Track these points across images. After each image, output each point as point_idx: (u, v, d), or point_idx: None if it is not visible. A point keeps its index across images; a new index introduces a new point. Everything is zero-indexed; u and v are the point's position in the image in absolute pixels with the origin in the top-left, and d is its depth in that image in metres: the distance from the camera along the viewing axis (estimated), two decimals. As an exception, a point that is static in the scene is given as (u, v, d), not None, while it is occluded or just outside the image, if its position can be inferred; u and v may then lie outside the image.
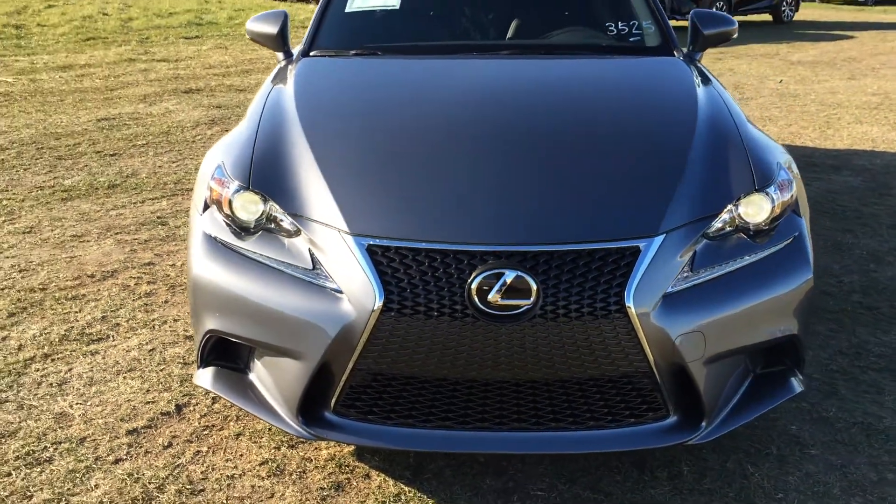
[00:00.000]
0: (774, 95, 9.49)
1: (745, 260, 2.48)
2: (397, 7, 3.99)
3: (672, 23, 4.26)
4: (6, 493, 2.53)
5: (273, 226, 2.53)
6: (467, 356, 2.30)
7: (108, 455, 2.74)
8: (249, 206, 2.57)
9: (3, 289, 3.96)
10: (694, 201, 2.51)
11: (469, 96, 3.13)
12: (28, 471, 2.64)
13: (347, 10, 3.96)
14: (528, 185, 2.54)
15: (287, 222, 2.50)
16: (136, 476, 2.63)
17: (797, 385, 2.61)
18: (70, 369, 3.26)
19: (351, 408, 2.45)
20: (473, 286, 2.24)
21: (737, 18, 19.05)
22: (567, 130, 2.88)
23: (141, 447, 2.78)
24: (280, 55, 3.80)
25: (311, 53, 3.71)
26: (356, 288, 2.29)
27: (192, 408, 3.01)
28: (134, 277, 4.12)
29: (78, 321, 3.65)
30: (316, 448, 2.78)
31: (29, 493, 2.54)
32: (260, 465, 2.70)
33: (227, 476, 2.65)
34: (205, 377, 2.64)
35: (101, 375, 3.22)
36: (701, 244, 2.45)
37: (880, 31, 17.44)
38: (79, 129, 7.21)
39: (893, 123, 7.95)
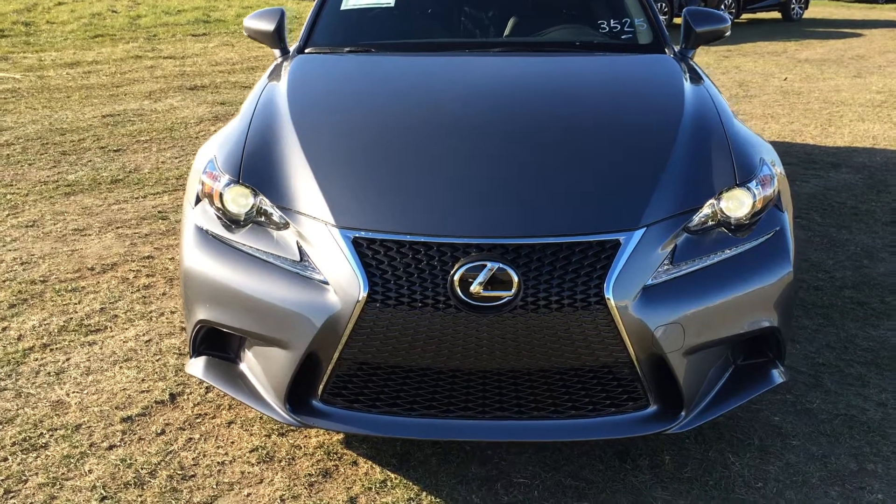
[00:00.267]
0: (778, 93, 9.50)
1: (725, 253, 2.53)
2: (392, 5, 4.04)
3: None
4: (2, 478, 2.60)
5: (263, 219, 2.59)
6: (450, 346, 2.35)
7: (103, 441, 2.80)
8: (239, 200, 2.63)
9: (4, 281, 4.04)
10: (675, 196, 2.55)
11: (457, 93, 3.19)
12: (24, 456, 2.71)
13: (343, 7, 4.02)
14: (512, 179, 2.59)
15: (276, 215, 2.56)
16: (128, 462, 2.70)
17: (778, 376, 2.65)
18: (68, 359, 3.33)
19: (337, 396, 2.51)
20: (456, 278, 2.29)
21: (746, 16, 18.94)
22: (552, 126, 2.93)
23: (135, 434, 2.85)
24: (277, 52, 3.86)
25: (306, 50, 3.77)
26: (342, 279, 2.35)
27: (185, 397, 3.08)
28: (133, 270, 4.19)
29: (77, 312, 3.72)
30: (305, 436, 2.84)
31: (24, 478, 2.61)
32: (250, 451, 2.76)
33: (218, 462, 2.71)
34: (196, 366, 2.70)
35: (97, 365, 3.29)
36: (682, 238, 2.49)
37: (891, 29, 17.37)
38: (84, 124, 7.30)
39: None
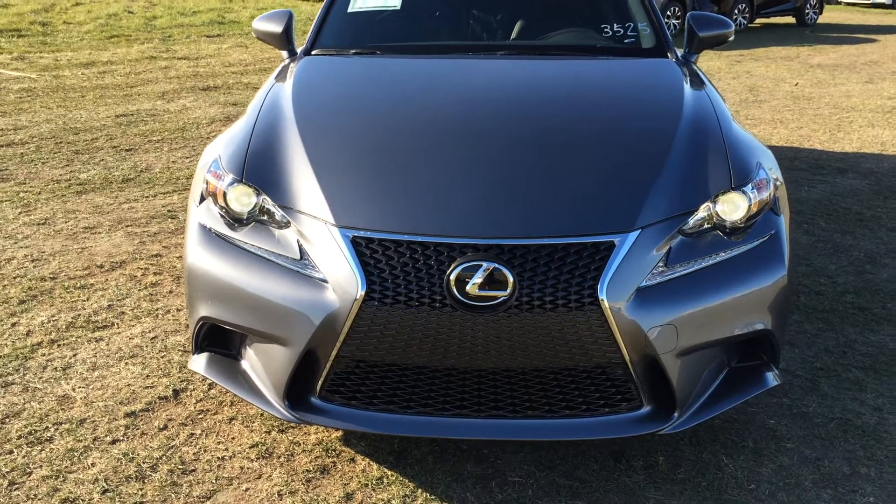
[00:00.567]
0: (789, 98, 9.49)
1: (719, 256, 2.56)
2: (398, 7, 4.09)
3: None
4: (7, 470, 2.66)
5: (265, 217, 2.64)
6: (446, 345, 2.39)
7: (106, 436, 2.86)
8: (242, 199, 2.68)
9: (15, 277, 4.11)
10: (670, 198, 2.58)
11: (459, 96, 3.23)
12: (29, 449, 2.77)
13: (350, 10, 4.07)
14: (509, 180, 2.63)
15: (278, 214, 2.60)
16: (131, 456, 2.75)
17: (772, 379, 2.68)
18: (75, 354, 3.39)
19: (336, 393, 2.55)
20: (452, 277, 2.33)
21: (759, 21, 18.87)
22: (551, 129, 2.97)
23: (137, 429, 2.90)
24: (284, 53, 3.91)
25: (313, 52, 3.82)
26: (340, 277, 2.39)
27: (188, 393, 3.13)
28: (141, 268, 4.25)
29: (85, 309, 3.79)
30: (305, 433, 2.88)
31: (29, 470, 2.66)
32: (250, 447, 2.81)
33: (218, 457, 2.76)
34: (199, 362, 2.75)
35: (103, 361, 3.34)
36: (676, 240, 2.52)
37: (905, 35, 17.30)
38: (97, 124, 7.39)
39: (906, 127, 7.95)
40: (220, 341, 2.78)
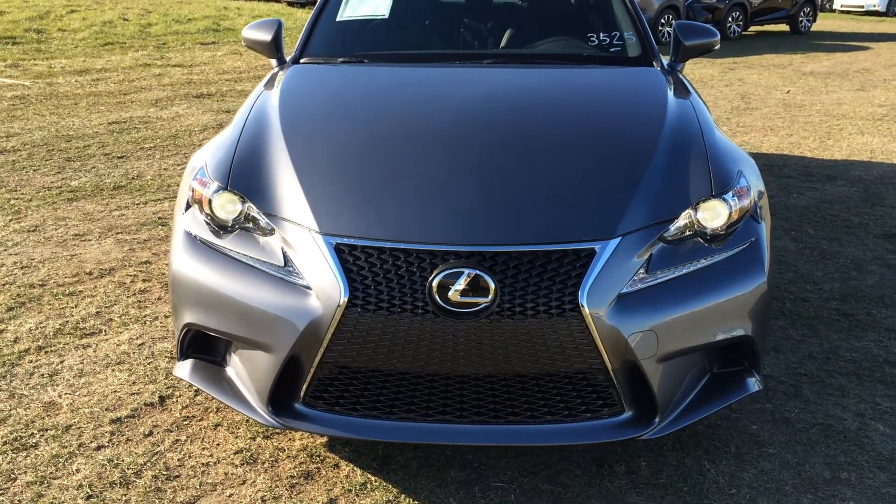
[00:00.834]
0: (780, 106, 9.54)
1: (700, 263, 2.57)
2: (386, 17, 4.12)
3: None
4: (-8, 475, 2.67)
5: (250, 225, 2.66)
6: (428, 351, 2.41)
7: (91, 442, 2.87)
8: (228, 206, 2.70)
9: (4, 284, 4.12)
10: (651, 206, 2.60)
11: (443, 104, 3.26)
12: (14, 455, 2.78)
13: (338, 18, 4.10)
14: (491, 188, 2.65)
15: (263, 221, 2.62)
16: (115, 462, 2.76)
17: (753, 384, 2.70)
18: (62, 361, 3.40)
19: (319, 399, 2.56)
20: (434, 284, 2.35)
21: (754, 28, 18.98)
22: (534, 137, 2.99)
23: (123, 435, 2.91)
24: (273, 62, 3.94)
25: (301, 60, 3.85)
26: (324, 284, 2.41)
27: (174, 399, 3.14)
28: (130, 275, 4.27)
29: (73, 316, 3.80)
30: (289, 439, 2.89)
31: (13, 476, 2.67)
32: (235, 453, 2.82)
33: (203, 463, 2.77)
34: (184, 369, 2.77)
35: (90, 367, 3.36)
36: (657, 247, 2.55)
37: (897, 43, 17.40)
38: (90, 131, 7.40)
39: (895, 135, 7.98)
40: (205, 348, 2.79)
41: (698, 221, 2.64)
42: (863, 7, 26.83)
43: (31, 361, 3.39)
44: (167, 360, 3.42)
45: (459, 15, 4.20)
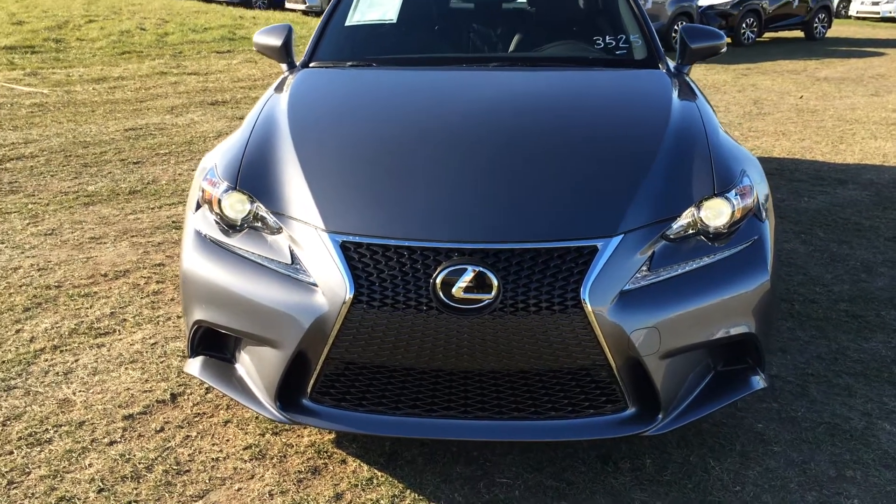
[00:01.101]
0: (793, 111, 9.52)
1: (702, 261, 2.60)
2: (394, 21, 4.17)
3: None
4: (6, 469, 2.72)
5: (258, 224, 2.70)
6: (432, 347, 2.44)
7: (104, 437, 2.92)
8: (237, 206, 2.75)
9: (21, 286, 4.19)
10: (654, 204, 2.63)
11: (449, 105, 3.31)
12: (28, 450, 2.84)
13: (347, 23, 4.16)
14: (495, 187, 2.69)
15: (271, 220, 2.67)
16: (127, 457, 2.81)
17: (758, 382, 2.71)
18: (76, 360, 3.46)
19: (326, 395, 2.60)
20: (438, 281, 2.39)
21: (768, 35, 18.89)
22: (538, 137, 3.03)
23: (135, 431, 2.96)
24: (284, 66, 4.00)
25: (311, 64, 3.91)
26: (330, 281, 2.45)
27: (186, 397, 3.19)
28: (144, 277, 4.33)
29: (88, 316, 3.86)
30: (298, 435, 2.93)
31: (27, 470, 2.73)
32: (244, 449, 2.86)
33: (213, 458, 2.81)
34: (194, 365, 2.82)
35: (104, 366, 3.41)
36: (660, 245, 2.57)
37: (913, 48, 17.30)
38: (106, 138, 7.50)
39: (909, 139, 7.97)
40: (215, 345, 2.84)
41: (701, 220, 2.66)
42: (879, 14, 26.69)
43: (47, 360, 3.45)
44: (179, 358, 3.48)
45: (467, 19, 4.25)
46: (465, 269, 2.38)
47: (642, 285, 2.49)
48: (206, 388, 3.23)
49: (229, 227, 2.75)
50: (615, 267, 2.46)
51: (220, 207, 2.78)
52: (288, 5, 22.99)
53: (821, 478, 2.76)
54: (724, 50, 4.00)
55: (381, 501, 2.61)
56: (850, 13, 28.03)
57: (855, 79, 12.52)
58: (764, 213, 2.84)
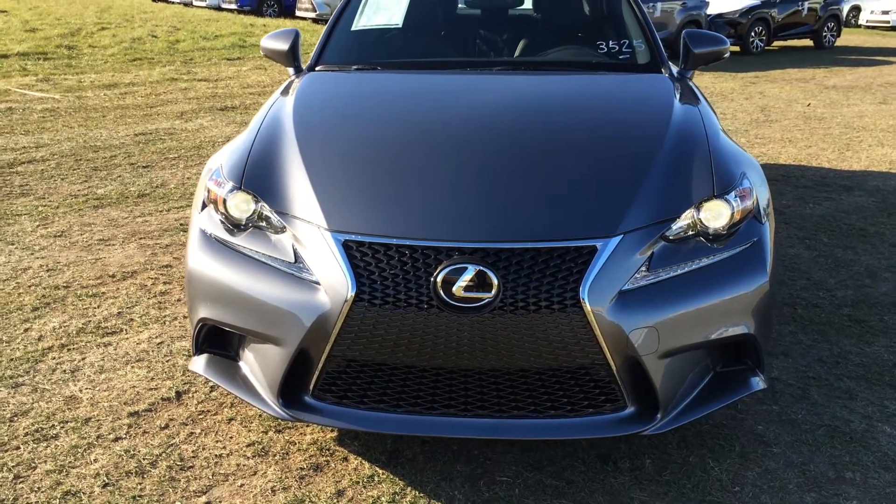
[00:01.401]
0: (800, 118, 9.53)
1: (701, 262, 2.62)
2: (400, 25, 4.21)
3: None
4: (13, 464, 2.76)
5: (263, 223, 2.74)
6: (433, 345, 2.47)
7: (109, 434, 2.96)
8: (241, 205, 2.79)
9: (30, 286, 4.24)
10: (653, 205, 2.66)
11: (451, 108, 3.35)
12: (35, 445, 2.87)
13: (353, 28, 4.20)
14: (495, 187, 2.72)
15: (275, 219, 2.71)
16: (132, 452, 2.84)
17: (757, 383, 2.73)
18: (83, 358, 3.50)
19: (328, 392, 2.63)
20: (439, 279, 2.42)
21: (777, 43, 18.84)
22: (539, 138, 3.06)
23: (140, 427, 3.00)
24: (291, 70, 4.04)
25: (317, 68, 3.95)
26: (332, 279, 2.49)
27: (190, 394, 3.23)
28: (152, 278, 4.38)
29: (95, 316, 3.91)
30: (301, 432, 2.96)
31: (34, 465, 2.77)
32: (247, 446, 2.89)
33: (216, 455, 2.85)
34: (199, 363, 2.85)
35: (111, 364, 3.45)
36: (659, 245, 2.59)
37: (923, 57, 17.26)
38: (116, 142, 7.57)
39: (917, 146, 7.96)
40: (219, 343, 2.88)
41: (700, 221, 2.68)
42: (889, 22, 26.64)
43: (54, 358, 3.50)
44: (184, 357, 3.51)
45: (473, 25, 4.29)
46: (466, 268, 2.41)
47: (641, 285, 2.51)
48: (211, 387, 3.26)
49: (234, 226, 2.79)
50: (614, 267, 2.48)
51: (225, 207, 2.81)
52: (298, 14, 23.11)
53: (820, 479, 2.77)
54: (727, 55, 4.03)
55: (382, 499, 2.64)
56: (860, 22, 27.98)
57: (863, 87, 12.50)
58: (764, 216, 2.86)
